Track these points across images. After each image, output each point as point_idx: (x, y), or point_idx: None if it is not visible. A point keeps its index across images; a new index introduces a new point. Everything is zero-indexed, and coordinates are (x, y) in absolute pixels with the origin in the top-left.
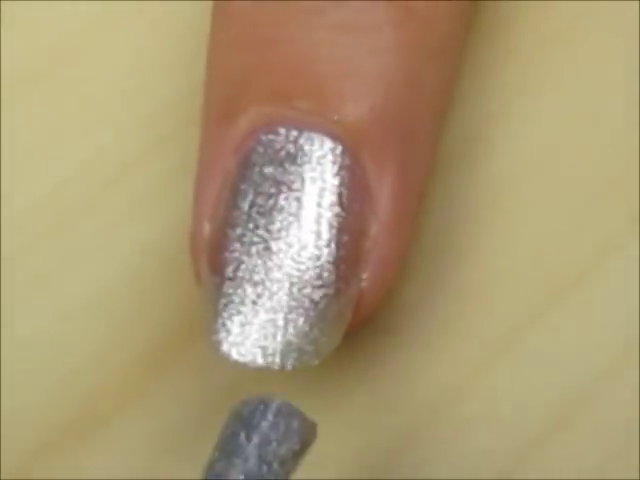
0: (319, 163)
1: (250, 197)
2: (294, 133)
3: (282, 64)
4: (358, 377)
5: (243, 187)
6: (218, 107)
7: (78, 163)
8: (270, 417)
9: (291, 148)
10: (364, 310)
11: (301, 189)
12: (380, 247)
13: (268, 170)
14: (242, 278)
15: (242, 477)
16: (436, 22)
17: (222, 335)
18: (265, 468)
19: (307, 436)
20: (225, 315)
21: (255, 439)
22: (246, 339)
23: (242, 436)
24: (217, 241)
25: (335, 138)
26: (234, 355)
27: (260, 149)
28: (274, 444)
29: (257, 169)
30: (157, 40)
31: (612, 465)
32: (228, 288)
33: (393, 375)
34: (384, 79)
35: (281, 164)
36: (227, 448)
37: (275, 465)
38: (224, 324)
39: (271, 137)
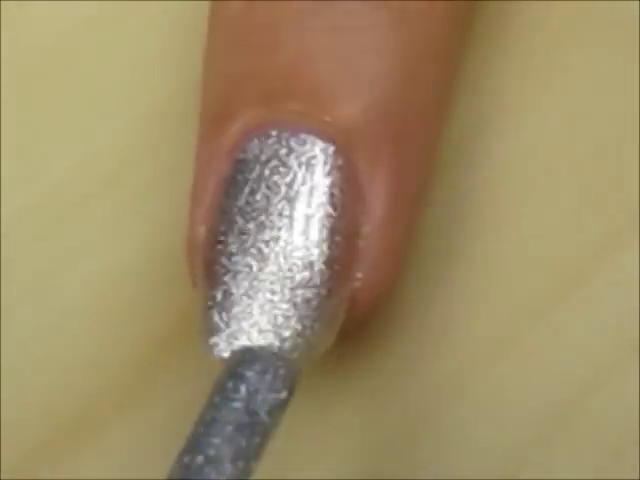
0: (310, 164)
1: (242, 200)
2: (285, 135)
3: (274, 67)
4: (356, 377)
5: (235, 190)
6: (212, 111)
7: (78, 163)
8: (257, 367)
9: (282, 150)
10: (358, 310)
11: (292, 190)
12: (373, 247)
13: (260, 172)
14: (234, 281)
15: (231, 427)
16: (430, 23)
17: (216, 336)
18: (253, 418)
19: (293, 383)
20: (218, 316)
21: (243, 389)
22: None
23: (230, 386)
24: (211, 245)
25: (327, 138)
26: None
27: (252, 152)
28: (261, 393)
29: (249, 172)
30: (157, 40)
31: (612, 465)
32: (221, 291)
33: (392, 375)
34: (378, 79)
35: (273, 166)
36: (215, 400)
37: (263, 414)
38: (218, 325)
39: (263, 140)
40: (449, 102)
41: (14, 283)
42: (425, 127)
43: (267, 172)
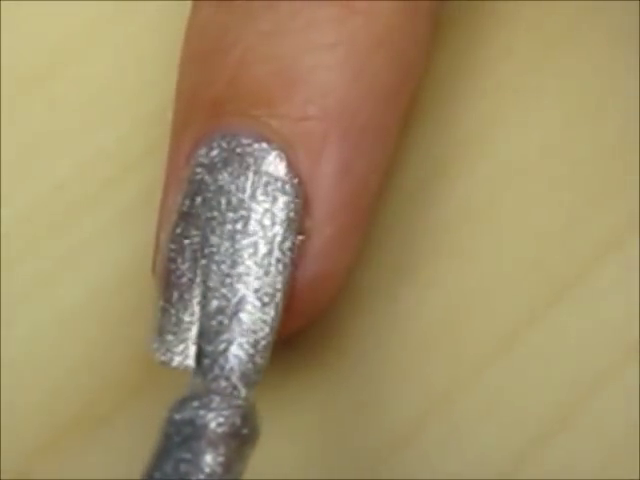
0: (252, 165)
1: (187, 204)
2: (227, 140)
3: (221, 73)
4: (355, 376)
5: (185, 196)
6: (175, 122)
7: (78, 163)
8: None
9: (225, 154)
10: (295, 309)
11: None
12: (309, 243)
13: (206, 178)
14: (176, 285)
15: None
16: (377, 15)
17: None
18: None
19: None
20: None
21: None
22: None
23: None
24: (162, 250)
25: (266, 139)
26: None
27: (199, 160)
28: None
29: (197, 179)
30: (157, 40)
31: (612, 465)
32: (165, 297)
33: (391, 374)
34: (319, 75)
35: (218, 171)
36: None
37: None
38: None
39: (208, 147)
40: (408, 100)
41: (14, 283)
42: (378, 117)
43: (211, 178)
